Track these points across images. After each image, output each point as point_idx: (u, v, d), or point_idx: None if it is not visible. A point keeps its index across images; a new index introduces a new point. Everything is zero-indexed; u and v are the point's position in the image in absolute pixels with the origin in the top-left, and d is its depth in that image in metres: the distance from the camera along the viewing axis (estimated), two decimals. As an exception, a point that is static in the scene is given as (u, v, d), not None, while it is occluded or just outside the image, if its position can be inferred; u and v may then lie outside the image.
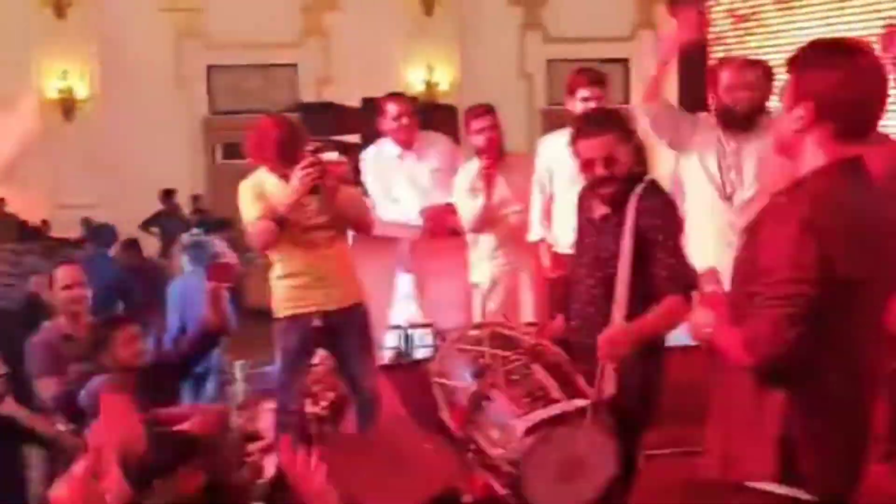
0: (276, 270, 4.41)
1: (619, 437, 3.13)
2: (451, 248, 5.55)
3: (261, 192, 4.27)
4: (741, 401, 2.34)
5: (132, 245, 8.79)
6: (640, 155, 3.40)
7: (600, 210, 3.41)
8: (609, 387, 3.15)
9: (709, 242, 4.07)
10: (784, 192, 2.30)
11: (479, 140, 5.11)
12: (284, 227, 4.17)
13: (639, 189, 3.29)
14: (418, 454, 3.94)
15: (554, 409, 3.06)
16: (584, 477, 3.08)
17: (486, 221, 5.11)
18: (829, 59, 2.27)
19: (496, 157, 5.06)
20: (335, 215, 4.31)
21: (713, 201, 4.31)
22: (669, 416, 4.99)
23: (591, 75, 4.85)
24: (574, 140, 3.39)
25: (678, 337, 3.14)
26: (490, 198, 5.03)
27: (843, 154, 2.25)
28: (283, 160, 4.18)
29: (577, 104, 4.80)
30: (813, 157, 2.26)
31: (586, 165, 3.36)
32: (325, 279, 4.34)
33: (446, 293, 5.61)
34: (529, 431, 3.03)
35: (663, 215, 3.27)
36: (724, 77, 4.39)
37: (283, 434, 4.31)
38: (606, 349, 3.13)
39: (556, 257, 4.88)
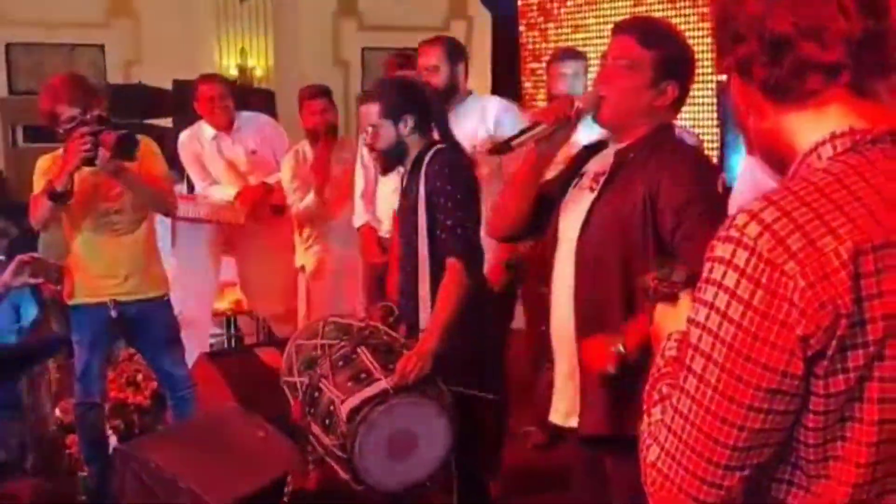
0: (72, 254, 4.16)
1: (456, 408, 3.14)
2: (273, 231, 5.50)
3: (50, 168, 4.00)
4: None
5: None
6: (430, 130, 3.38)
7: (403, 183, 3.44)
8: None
9: None
10: None
11: (312, 122, 5.07)
12: (61, 203, 3.89)
13: (428, 156, 3.29)
14: (248, 442, 3.90)
15: (374, 389, 3.06)
16: (418, 451, 3.12)
17: (320, 214, 5.08)
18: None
19: (331, 141, 5.04)
20: (134, 198, 4.07)
21: None
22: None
23: (402, 59, 4.90)
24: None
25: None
26: (322, 192, 4.99)
27: None
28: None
29: None
30: None
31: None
32: (121, 267, 4.12)
33: (268, 278, 5.55)
34: (352, 414, 3.03)
35: (444, 177, 3.22)
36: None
37: (82, 427, 4.18)
38: (407, 372, 3.08)
39: (379, 241, 4.90)
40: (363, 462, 3.05)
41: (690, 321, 1.22)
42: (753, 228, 1.16)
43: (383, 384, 3.07)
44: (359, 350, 3.19)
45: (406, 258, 3.39)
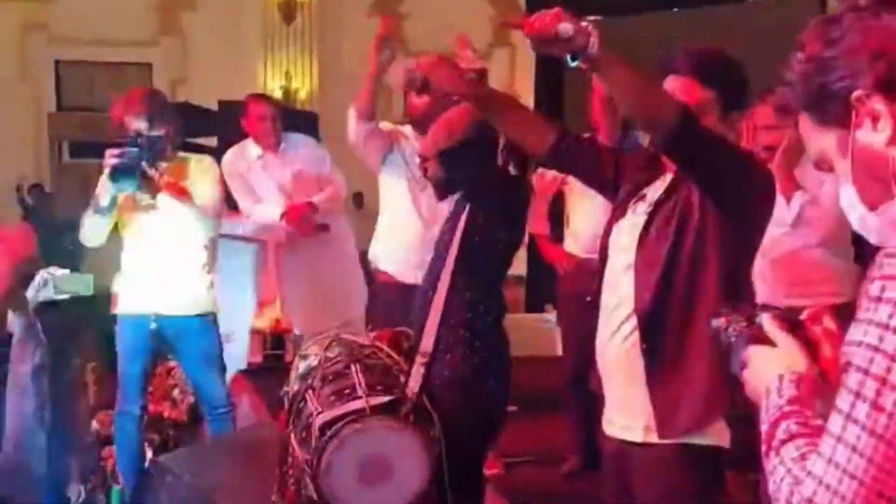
0: (123, 265, 4.24)
1: (444, 442, 2.96)
2: (316, 250, 5.50)
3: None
4: None
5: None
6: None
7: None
8: (414, 384, 2.99)
9: None
10: None
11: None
12: (103, 216, 3.98)
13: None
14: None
15: (351, 406, 2.92)
16: (392, 481, 2.94)
17: None
18: None
19: None
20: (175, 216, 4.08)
21: None
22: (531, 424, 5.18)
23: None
24: None
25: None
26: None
27: None
28: None
29: None
30: None
31: None
32: (163, 282, 4.14)
33: (309, 296, 5.56)
34: (324, 428, 2.89)
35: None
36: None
37: (120, 436, 4.18)
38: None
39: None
40: (328, 480, 2.88)
41: (854, 343, 1.19)
42: None
43: (361, 403, 2.92)
44: (352, 367, 3.05)
45: (429, 283, 3.22)
